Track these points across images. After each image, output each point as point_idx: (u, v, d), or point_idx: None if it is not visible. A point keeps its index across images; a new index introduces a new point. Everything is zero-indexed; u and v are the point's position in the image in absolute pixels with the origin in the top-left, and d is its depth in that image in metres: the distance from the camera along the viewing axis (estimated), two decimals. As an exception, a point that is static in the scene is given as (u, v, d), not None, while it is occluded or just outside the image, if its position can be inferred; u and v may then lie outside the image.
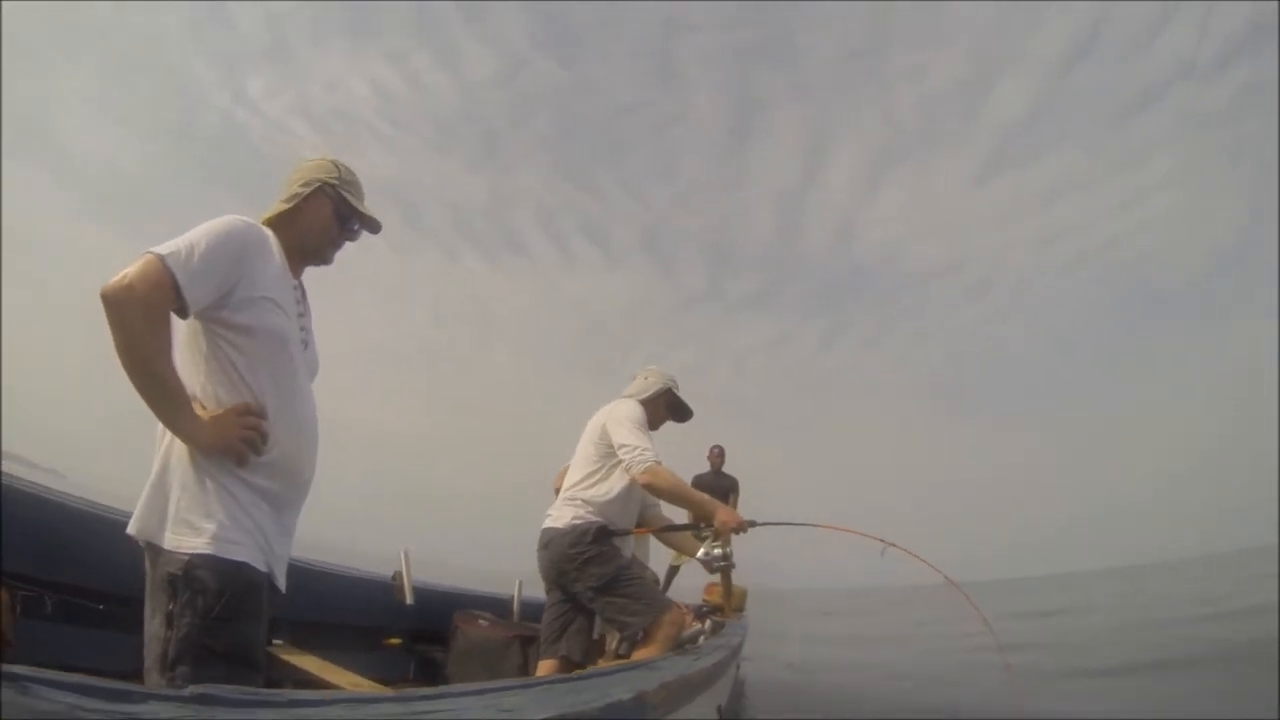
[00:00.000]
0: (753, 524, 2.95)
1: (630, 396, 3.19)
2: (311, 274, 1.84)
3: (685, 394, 3.29)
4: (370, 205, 1.86)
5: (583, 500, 2.96)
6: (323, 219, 1.79)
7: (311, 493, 1.73)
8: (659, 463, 2.84)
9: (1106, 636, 10.78)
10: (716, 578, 7.08)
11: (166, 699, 0.81)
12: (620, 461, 2.92)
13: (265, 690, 0.91)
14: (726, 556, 3.05)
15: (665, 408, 3.27)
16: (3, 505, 2.18)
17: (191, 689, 0.84)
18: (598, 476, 2.99)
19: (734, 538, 3.00)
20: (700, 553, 3.09)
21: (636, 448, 2.86)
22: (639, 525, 3.28)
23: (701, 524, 3.04)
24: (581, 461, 3.06)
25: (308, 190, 1.76)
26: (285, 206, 1.75)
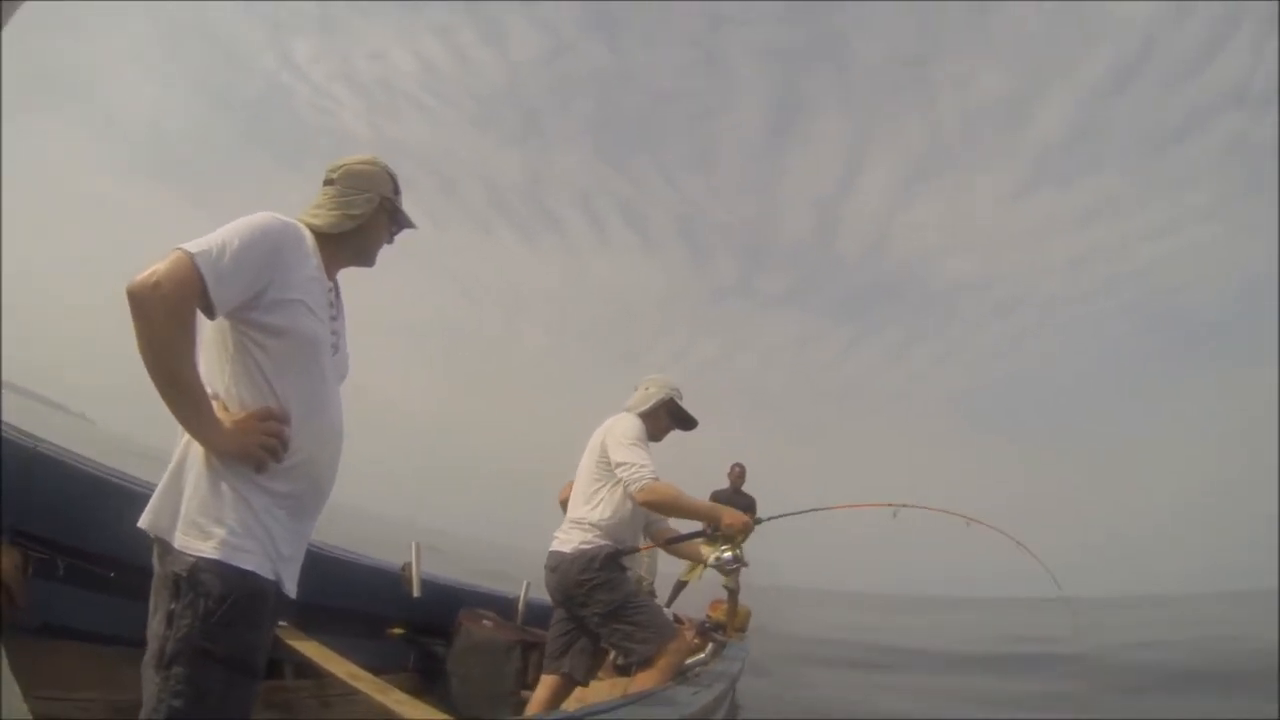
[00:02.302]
0: (758, 520, 2.95)
1: (630, 410, 3.15)
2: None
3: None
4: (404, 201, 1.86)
5: (590, 523, 2.93)
6: (381, 233, 1.79)
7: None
8: (656, 479, 2.81)
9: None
10: (723, 595, 7.06)
11: None
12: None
13: None
14: (738, 558, 3.04)
15: (669, 417, 3.22)
16: (19, 466, 2.20)
17: None
18: (601, 496, 2.96)
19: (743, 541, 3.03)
20: (711, 558, 3.10)
21: (632, 465, 2.83)
22: (647, 538, 3.26)
23: (709, 529, 3.01)
24: (584, 480, 3.04)
25: (371, 209, 1.73)
26: (350, 225, 1.71)
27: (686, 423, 3.28)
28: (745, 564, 3.10)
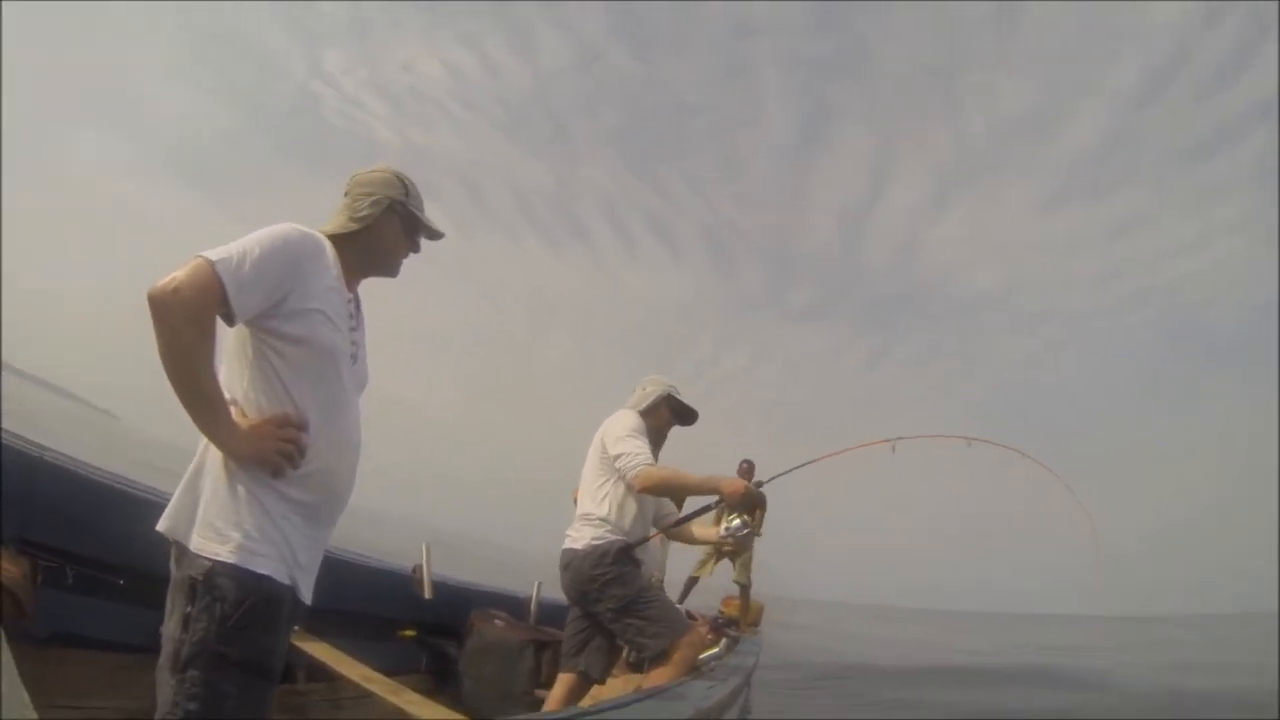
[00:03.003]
0: (760, 484, 2.98)
1: (630, 408, 3.17)
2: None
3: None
4: (430, 214, 1.85)
5: (599, 519, 2.94)
6: (393, 237, 1.78)
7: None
8: (651, 464, 2.85)
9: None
10: (735, 590, 7.05)
11: None
12: None
13: None
14: (746, 524, 3.07)
15: (670, 413, 3.24)
16: (26, 475, 2.20)
17: None
18: (606, 491, 2.98)
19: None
20: (721, 529, 3.13)
21: (627, 454, 2.88)
22: (656, 528, 3.24)
23: (714, 501, 3.03)
24: (589, 477, 3.07)
25: (378, 210, 1.73)
26: (355, 226, 1.71)
27: (687, 416, 3.29)
28: (758, 533, 3.09)
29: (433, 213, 1.88)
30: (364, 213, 1.72)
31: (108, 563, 2.42)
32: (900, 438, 3.35)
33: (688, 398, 3.26)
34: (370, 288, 1.80)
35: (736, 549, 3.41)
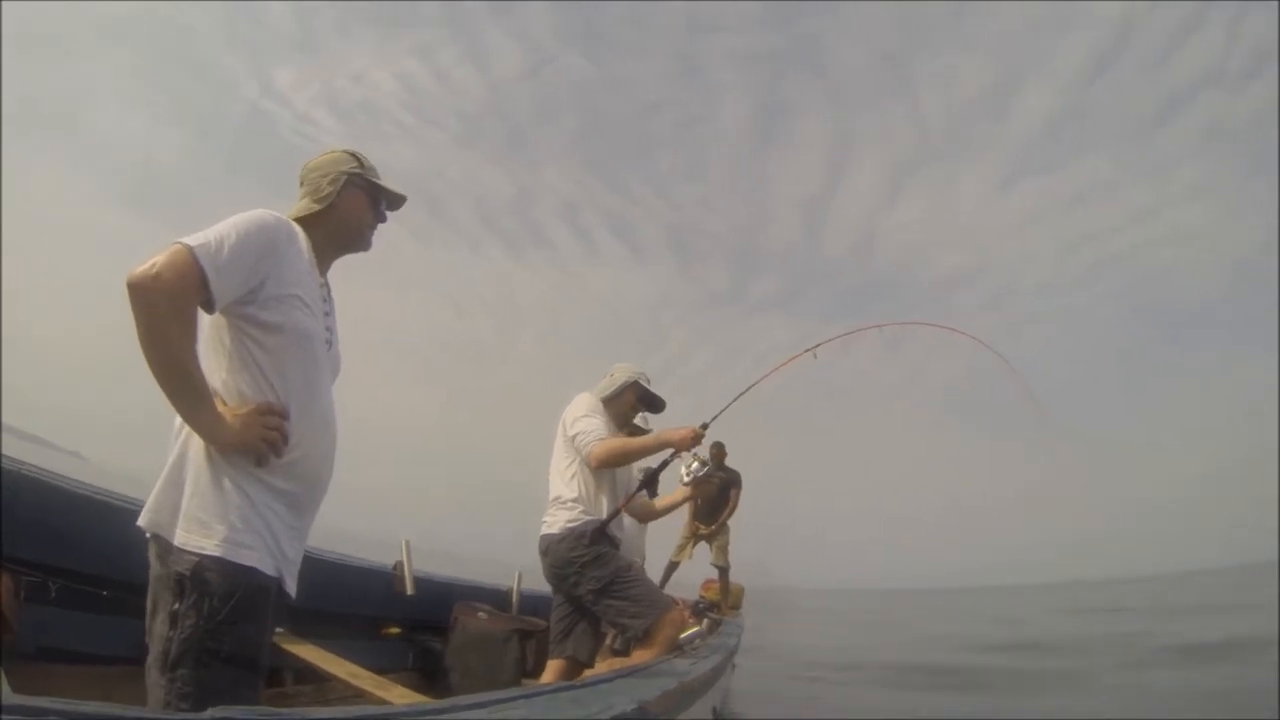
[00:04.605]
0: (705, 426, 3.06)
1: (594, 393, 3.22)
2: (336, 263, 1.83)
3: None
4: (389, 181, 1.87)
5: (571, 500, 2.99)
6: (359, 209, 1.79)
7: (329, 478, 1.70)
8: (601, 440, 2.92)
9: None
10: (714, 574, 7.13)
11: None
12: None
13: (281, 711, 0.90)
14: (705, 462, 3.21)
15: (637, 399, 3.28)
16: (6, 490, 2.18)
17: (211, 712, 0.84)
18: (573, 471, 3.03)
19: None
20: (684, 477, 3.22)
21: (581, 434, 2.96)
22: (627, 507, 3.28)
23: (670, 455, 3.11)
24: (557, 461, 3.12)
25: (338, 187, 1.74)
26: (319, 206, 1.73)
27: (654, 404, 3.32)
28: (715, 472, 3.11)
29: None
30: (325, 192, 1.73)
31: (90, 575, 2.40)
32: (818, 344, 3.46)
33: (659, 389, 3.29)
34: (339, 295, 1.80)
35: (700, 493, 3.50)
